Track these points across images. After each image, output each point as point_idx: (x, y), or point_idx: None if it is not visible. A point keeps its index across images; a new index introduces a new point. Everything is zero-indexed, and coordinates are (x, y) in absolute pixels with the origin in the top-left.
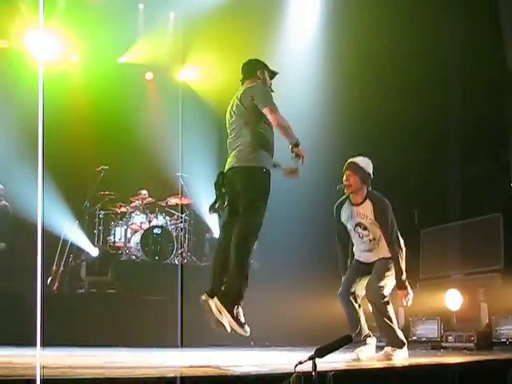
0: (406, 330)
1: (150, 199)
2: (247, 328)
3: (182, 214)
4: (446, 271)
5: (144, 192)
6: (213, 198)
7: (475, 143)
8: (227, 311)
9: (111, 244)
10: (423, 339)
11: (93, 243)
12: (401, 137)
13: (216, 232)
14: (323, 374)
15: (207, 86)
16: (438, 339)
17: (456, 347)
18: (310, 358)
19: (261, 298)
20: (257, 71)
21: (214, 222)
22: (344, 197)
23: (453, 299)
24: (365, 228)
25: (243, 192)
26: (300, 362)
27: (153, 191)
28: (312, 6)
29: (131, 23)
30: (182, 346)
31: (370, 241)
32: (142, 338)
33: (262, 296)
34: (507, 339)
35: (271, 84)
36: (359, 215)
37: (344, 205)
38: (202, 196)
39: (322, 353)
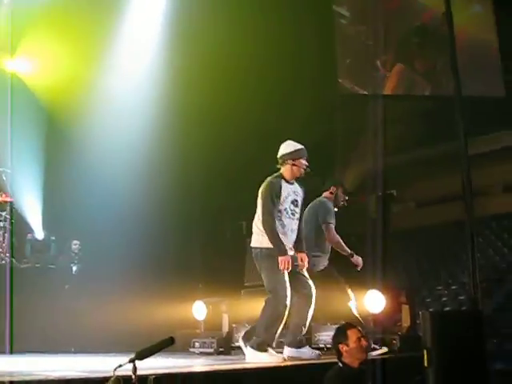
0: (230, 337)
1: None
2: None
3: (2, 212)
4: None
5: None
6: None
7: None
8: None
9: None
10: None
11: None
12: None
13: (39, 233)
14: (144, 378)
15: (39, 81)
16: None
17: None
18: (130, 361)
19: (81, 304)
20: (330, 186)
21: (36, 223)
22: (275, 175)
23: None
24: (297, 205)
25: None
26: (120, 365)
27: None
28: (155, 4)
29: None
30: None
31: (297, 219)
32: None
33: (82, 301)
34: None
35: (344, 199)
36: (294, 193)
37: (281, 183)
38: (26, 194)
39: (142, 355)
